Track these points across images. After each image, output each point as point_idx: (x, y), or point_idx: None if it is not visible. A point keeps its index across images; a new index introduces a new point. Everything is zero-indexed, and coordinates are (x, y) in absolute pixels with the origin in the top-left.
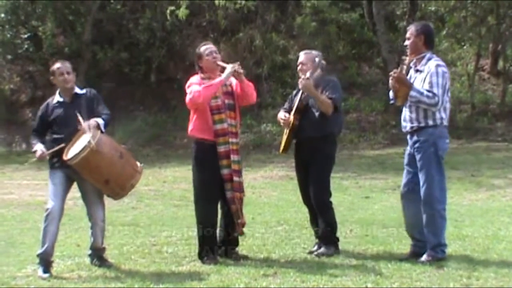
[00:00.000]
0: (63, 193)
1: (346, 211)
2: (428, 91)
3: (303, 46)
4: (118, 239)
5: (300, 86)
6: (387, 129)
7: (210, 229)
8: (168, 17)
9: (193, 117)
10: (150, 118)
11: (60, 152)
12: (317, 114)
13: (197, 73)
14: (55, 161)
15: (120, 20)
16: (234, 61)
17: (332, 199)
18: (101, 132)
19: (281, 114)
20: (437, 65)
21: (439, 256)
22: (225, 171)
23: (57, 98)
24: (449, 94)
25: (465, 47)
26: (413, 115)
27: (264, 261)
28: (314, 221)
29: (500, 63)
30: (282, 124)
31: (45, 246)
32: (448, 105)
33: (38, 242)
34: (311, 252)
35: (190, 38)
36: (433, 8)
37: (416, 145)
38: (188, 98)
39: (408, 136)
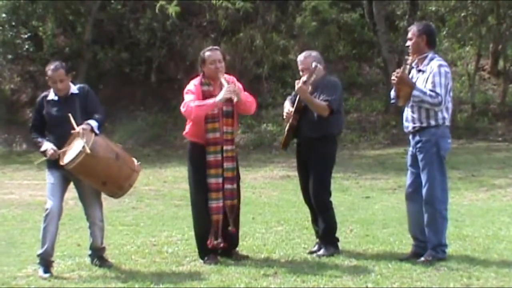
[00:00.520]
0: (61, 192)
1: (346, 211)
2: (431, 90)
3: (304, 46)
4: (119, 239)
5: (295, 90)
6: (388, 129)
7: (207, 228)
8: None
9: (189, 121)
10: (151, 118)
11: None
12: (315, 115)
13: (199, 75)
14: (52, 161)
15: (121, 20)
16: (234, 61)
17: (332, 199)
18: (96, 134)
19: (287, 105)
20: (440, 65)
21: (439, 256)
22: (212, 180)
23: (51, 95)
24: (451, 94)
25: (465, 47)
26: (415, 115)
27: (265, 261)
28: (315, 221)
29: (501, 63)
30: (284, 116)
31: (45, 246)
32: (450, 105)
33: (38, 242)
34: (311, 252)
35: (191, 38)
36: (433, 8)
37: (418, 145)
38: (182, 109)
39: (410, 137)
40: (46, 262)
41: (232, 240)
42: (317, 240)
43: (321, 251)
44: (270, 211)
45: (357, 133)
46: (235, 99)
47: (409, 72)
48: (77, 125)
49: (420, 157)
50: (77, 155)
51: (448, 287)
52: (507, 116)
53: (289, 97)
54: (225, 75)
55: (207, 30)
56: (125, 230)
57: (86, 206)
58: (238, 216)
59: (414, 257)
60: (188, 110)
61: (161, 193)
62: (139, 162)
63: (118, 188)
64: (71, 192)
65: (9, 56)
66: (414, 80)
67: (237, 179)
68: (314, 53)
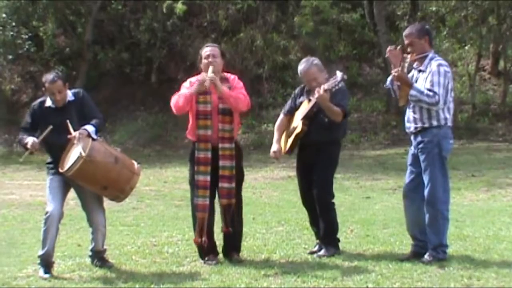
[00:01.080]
0: (61, 196)
1: (347, 211)
2: (429, 90)
3: (304, 47)
4: (119, 239)
5: (316, 97)
6: (388, 130)
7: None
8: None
9: (189, 119)
10: (151, 118)
11: (57, 158)
12: (326, 120)
13: (199, 73)
14: (52, 167)
15: (121, 21)
16: (234, 62)
17: (334, 200)
18: (93, 139)
19: (275, 139)
20: (439, 65)
21: (440, 257)
22: (200, 177)
23: (48, 102)
24: (452, 94)
25: (465, 47)
26: (417, 116)
27: (265, 262)
28: (313, 223)
29: (501, 64)
30: (271, 155)
31: (46, 248)
32: (451, 105)
33: (39, 242)
34: (312, 253)
35: (191, 38)
36: (434, 9)
37: (420, 145)
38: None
39: (412, 137)
40: (46, 263)
41: (232, 242)
42: (318, 240)
43: (322, 252)
44: (270, 211)
45: (357, 134)
46: (213, 82)
47: (409, 72)
48: (74, 131)
49: (422, 157)
50: (75, 162)
51: (449, 287)
52: (508, 116)
53: (283, 112)
54: (228, 74)
55: (207, 30)
56: (126, 230)
57: (89, 213)
58: (239, 217)
59: (414, 257)
60: (172, 103)
61: (161, 194)
62: (139, 164)
63: (120, 191)
64: (72, 192)
65: (10, 57)
66: (414, 80)
67: (237, 178)
68: (315, 61)
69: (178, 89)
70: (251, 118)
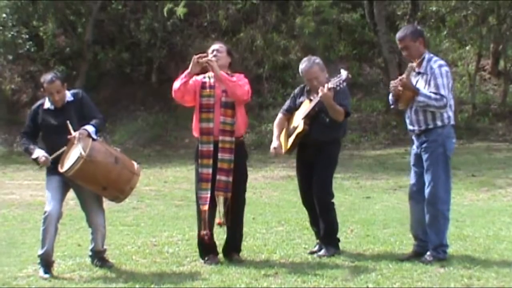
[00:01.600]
0: (60, 196)
1: (347, 211)
2: (435, 93)
3: (304, 47)
4: (119, 239)
5: (319, 96)
6: (388, 129)
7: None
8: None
9: (192, 117)
10: (151, 118)
11: (56, 158)
12: (327, 119)
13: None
14: (52, 167)
15: (121, 21)
16: (235, 62)
17: (334, 200)
18: (93, 139)
19: (275, 135)
20: (440, 66)
21: (440, 257)
22: (203, 170)
23: (47, 104)
24: (452, 92)
25: (466, 47)
26: (421, 117)
27: (265, 261)
28: (314, 223)
29: (501, 63)
30: (272, 151)
31: (45, 247)
32: (452, 103)
33: (39, 242)
34: (312, 253)
35: (191, 38)
36: (434, 8)
37: (424, 145)
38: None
39: (415, 137)
40: (46, 262)
41: (232, 242)
42: (318, 240)
43: (322, 252)
44: (270, 211)
45: (357, 133)
46: (209, 62)
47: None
48: (75, 132)
49: (425, 157)
50: (75, 162)
51: (449, 287)
52: (508, 116)
53: (282, 111)
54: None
55: (207, 30)
56: (126, 230)
57: (89, 213)
58: (241, 220)
59: (415, 257)
60: (173, 87)
61: (161, 193)
62: (139, 164)
63: (119, 192)
64: (72, 192)
65: (10, 56)
66: (414, 83)
67: (241, 178)
68: (317, 60)
69: None
70: (251, 118)
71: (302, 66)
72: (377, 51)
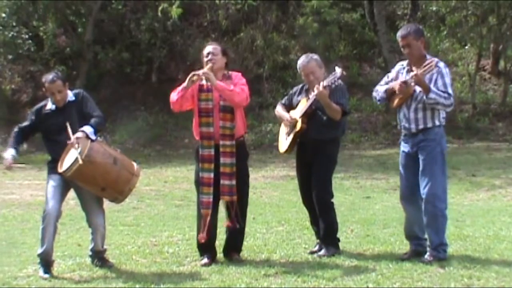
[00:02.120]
0: (60, 195)
1: (347, 211)
2: (444, 92)
3: (305, 47)
4: (119, 239)
5: (315, 94)
6: (388, 129)
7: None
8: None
9: (193, 119)
10: (151, 118)
11: (57, 158)
12: (324, 118)
13: None
14: (53, 167)
15: (122, 20)
16: (235, 62)
17: (333, 200)
18: (92, 140)
19: (283, 112)
20: (445, 65)
21: (440, 256)
22: (204, 175)
23: (49, 105)
24: None
25: (466, 47)
26: (420, 116)
27: (265, 261)
28: (314, 222)
29: (501, 63)
30: (286, 124)
31: (44, 246)
32: None
33: (39, 242)
34: (312, 252)
35: (191, 38)
36: (434, 8)
37: (422, 143)
38: None
39: (409, 136)
40: (46, 262)
41: (233, 242)
42: (318, 240)
43: (322, 251)
44: (270, 211)
45: (357, 133)
46: (205, 75)
47: (397, 74)
48: (75, 132)
49: (423, 155)
50: (73, 163)
51: (449, 287)
52: (508, 116)
53: (280, 102)
54: (232, 72)
55: (208, 30)
56: (126, 230)
57: (88, 214)
58: (243, 220)
59: (414, 256)
60: (170, 98)
61: (162, 193)
62: (139, 164)
63: (118, 193)
64: (72, 192)
65: (10, 56)
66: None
67: (242, 178)
68: (315, 56)
69: None
70: (251, 118)
71: (300, 61)
72: (377, 51)
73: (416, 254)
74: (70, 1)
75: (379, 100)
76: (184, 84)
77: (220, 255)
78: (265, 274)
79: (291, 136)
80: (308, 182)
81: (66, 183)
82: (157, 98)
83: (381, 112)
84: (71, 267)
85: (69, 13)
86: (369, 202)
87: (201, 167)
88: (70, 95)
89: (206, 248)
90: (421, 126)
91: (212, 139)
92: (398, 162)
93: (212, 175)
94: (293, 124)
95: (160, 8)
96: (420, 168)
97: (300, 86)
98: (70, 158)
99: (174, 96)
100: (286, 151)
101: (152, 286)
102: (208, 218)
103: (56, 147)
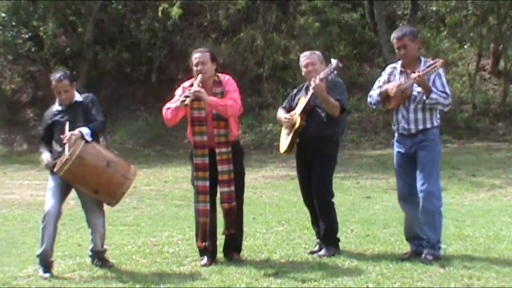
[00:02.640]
0: (60, 195)
1: (347, 211)
2: (442, 92)
3: (305, 46)
4: (119, 239)
5: (311, 87)
6: (389, 129)
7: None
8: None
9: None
10: (151, 118)
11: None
12: (323, 114)
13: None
14: (53, 167)
15: (122, 20)
16: (235, 62)
17: (334, 199)
18: (86, 141)
19: (283, 114)
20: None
21: (437, 254)
22: (199, 183)
23: (56, 106)
24: None
25: (466, 47)
26: (420, 117)
27: (265, 261)
28: (315, 222)
29: (501, 63)
30: (286, 124)
31: (44, 246)
32: None
33: (39, 242)
34: (312, 252)
35: (191, 38)
36: (434, 8)
37: (423, 143)
38: None
39: (407, 137)
40: (45, 262)
41: (233, 242)
42: (318, 240)
43: (322, 251)
44: (270, 211)
45: (358, 133)
46: (195, 94)
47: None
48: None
49: (422, 155)
50: (64, 163)
51: (449, 287)
52: (508, 116)
53: (281, 106)
54: (222, 76)
55: (207, 30)
56: (126, 230)
57: (88, 214)
58: (240, 219)
59: (414, 256)
60: (163, 113)
61: (162, 193)
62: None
63: (110, 196)
64: (72, 192)
65: (10, 56)
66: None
67: (236, 181)
68: (318, 52)
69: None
70: (251, 118)
71: (302, 55)
72: (377, 51)
73: (416, 255)
74: (70, 1)
75: (374, 104)
76: (177, 104)
77: (220, 255)
78: (265, 274)
79: (291, 134)
80: (308, 182)
81: (67, 184)
82: (157, 98)
83: (381, 112)
84: (71, 267)
85: (69, 13)
86: (369, 202)
87: (196, 176)
88: (78, 96)
89: (206, 249)
90: (420, 127)
91: (206, 147)
92: None
93: (207, 183)
94: (292, 123)
95: (160, 8)
96: (419, 167)
97: (299, 87)
98: (63, 158)
99: (168, 114)
100: (286, 150)
101: (152, 286)
102: (207, 226)
103: (58, 146)
